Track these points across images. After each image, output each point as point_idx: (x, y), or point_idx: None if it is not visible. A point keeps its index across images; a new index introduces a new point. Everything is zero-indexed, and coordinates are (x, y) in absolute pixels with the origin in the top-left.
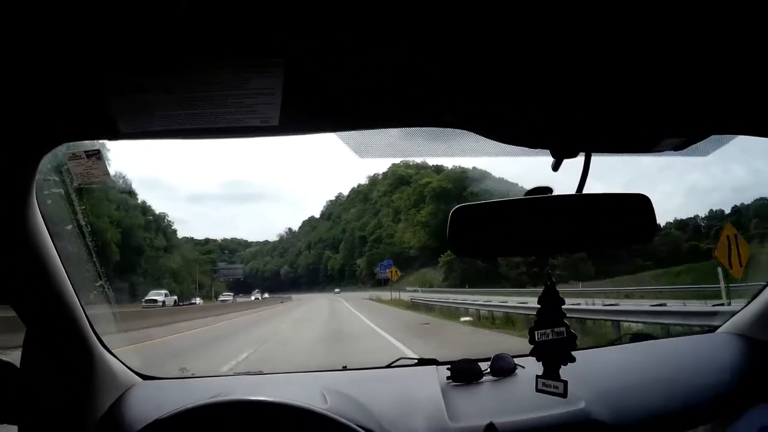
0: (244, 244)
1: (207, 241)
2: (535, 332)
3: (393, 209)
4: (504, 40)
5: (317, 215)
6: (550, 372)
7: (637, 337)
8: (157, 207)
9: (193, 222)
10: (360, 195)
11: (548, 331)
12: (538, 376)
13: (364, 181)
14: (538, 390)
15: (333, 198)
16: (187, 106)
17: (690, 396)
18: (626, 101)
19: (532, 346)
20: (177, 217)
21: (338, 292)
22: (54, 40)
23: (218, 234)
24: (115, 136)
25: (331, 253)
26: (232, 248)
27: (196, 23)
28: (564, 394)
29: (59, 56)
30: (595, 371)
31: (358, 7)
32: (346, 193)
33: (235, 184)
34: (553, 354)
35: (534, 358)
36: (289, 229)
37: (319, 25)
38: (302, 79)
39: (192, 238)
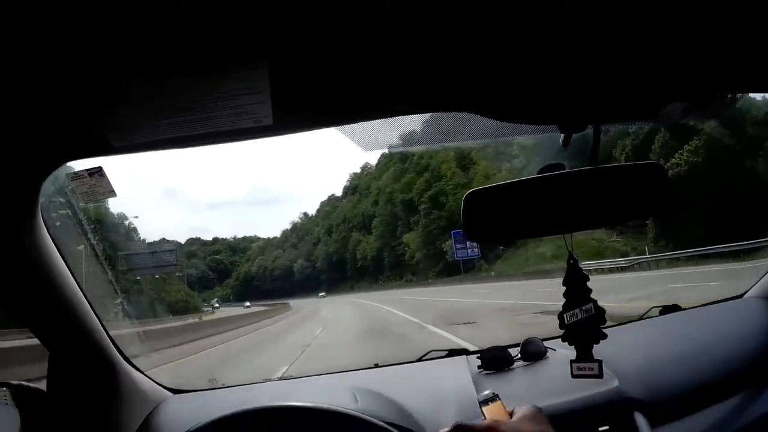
0: (255, 241)
1: (215, 240)
2: (564, 315)
3: (455, 155)
4: (500, 16)
5: (339, 193)
6: (583, 354)
7: (666, 309)
8: (179, 217)
9: (212, 229)
10: (395, 157)
11: (576, 311)
12: (572, 361)
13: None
14: (574, 376)
15: (358, 170)
16: (174, 114)
17: (724, 365)
18: (630, 67)
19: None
20: (198, 226)
21: (323, 296)
22: (33, 63)
23: (230, 234)
24: (109, 152)
25: (361, 236)
26: (242, 247)
27: (172, 27)
28: (600, 375)
29: (39, 78)
30: (627, 348)
31: None
32: (374, 162)
33: (253, 188)
34: (584, 334)
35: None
36: (305, 213)
37: (301, 15)
38: (290, 75)
39: (199, 239)
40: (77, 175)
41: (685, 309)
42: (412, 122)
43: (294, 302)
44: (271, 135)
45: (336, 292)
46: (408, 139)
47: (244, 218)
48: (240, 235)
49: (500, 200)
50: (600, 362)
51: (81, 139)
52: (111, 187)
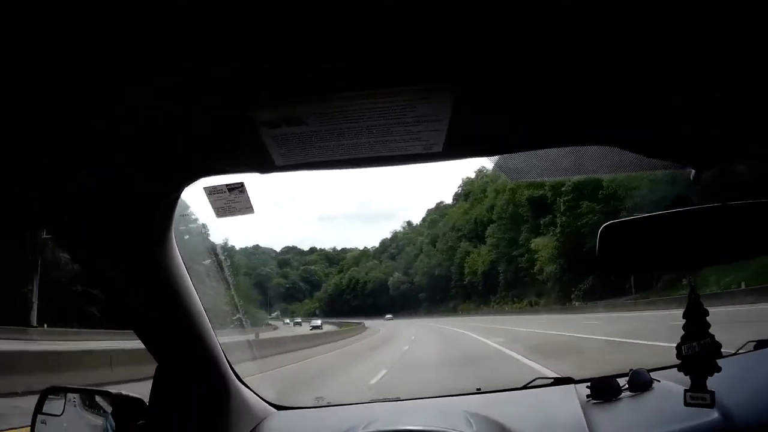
0: (352, 251)
1: (312, 250)
2: (682, 347)
3: None
4: (644, 56)
5: (449, 200)
6: (698, 384)
7: (761, 344)
8: (292, 228)
9: (314, 239)
10: None
11: (694, 344)
12: (685, 390)
13: None
14: (686, 404)
15: (472, 175)
16: (348, 137)
17: None
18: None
19: (679, 361)
20: (301, 237)
21: (390, 318)
22: (206, 75)
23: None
24: (267, 169)
25: (471, 246)
26: (339, 258)
27: (364, 55)
28: (712, 405)
29: (211, 90)
30: (725, 381)
31: (525, 33)
32: (490, 165)
33: (362, 201)
34: (700, 366)
35: (670, 371)
36: (408, 222)
37: (487, 54)
38: (469, 106)
39: (295, 247)
40: (215, 189)
41: None
42: (556, 154)
43: (371, 323)
44: (438, 161)
45: (433, 313)
46: (550, 169)
47: (349, 231)
48: (340, 247)
49: (636, 233)
50: (713, 393)
51: (239, 153)
52: (249, 203)
